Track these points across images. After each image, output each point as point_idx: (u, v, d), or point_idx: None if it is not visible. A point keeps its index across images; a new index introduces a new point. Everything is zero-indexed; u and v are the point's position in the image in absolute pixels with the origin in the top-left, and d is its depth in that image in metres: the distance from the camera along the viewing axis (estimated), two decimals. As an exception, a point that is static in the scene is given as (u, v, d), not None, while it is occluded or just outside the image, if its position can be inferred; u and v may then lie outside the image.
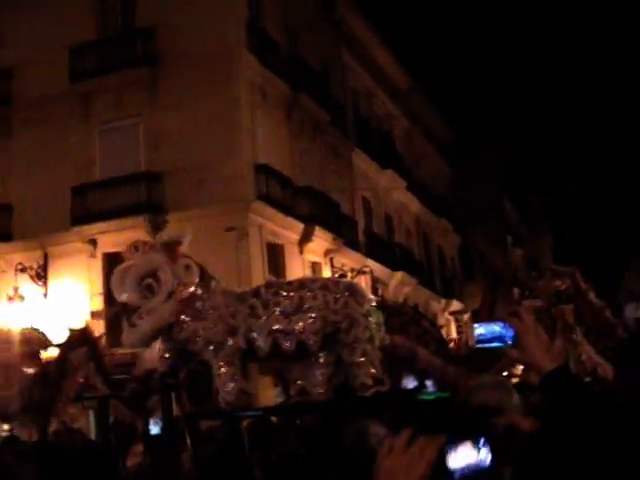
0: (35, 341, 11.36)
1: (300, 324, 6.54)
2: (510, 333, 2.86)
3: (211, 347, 6.67)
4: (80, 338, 11.09)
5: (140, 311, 6.94)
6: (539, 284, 8.04)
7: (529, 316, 2.87)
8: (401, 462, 2.30)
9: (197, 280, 7.16)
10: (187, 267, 7.12)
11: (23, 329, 12.03)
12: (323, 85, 34.59)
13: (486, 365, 8.31)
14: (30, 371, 10.85)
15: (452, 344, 19.91)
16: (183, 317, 6.85)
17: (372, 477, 2.38)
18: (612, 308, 7.78)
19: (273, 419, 9.36)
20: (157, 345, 7.26)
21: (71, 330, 11.40)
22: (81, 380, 10.83)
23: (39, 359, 11.09)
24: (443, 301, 47.13)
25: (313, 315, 6.56)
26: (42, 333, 11.70)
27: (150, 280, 6.93)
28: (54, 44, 29.47)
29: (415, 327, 8.65)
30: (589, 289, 7.57)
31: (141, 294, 6.90)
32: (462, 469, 2.41)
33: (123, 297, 7.08)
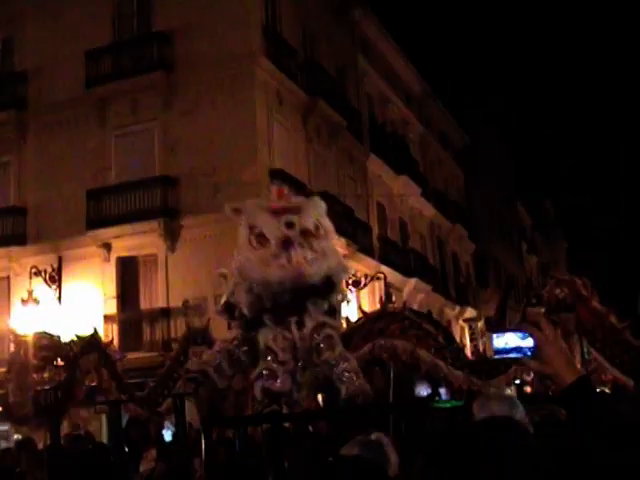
0: (49, 346, 11.36)
1: None
2: (529, 343, 2.83)
3: None
4: (89, 344, 11.09)
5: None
6: (543, 292, 8.01)
7: (549, 326, 2.84)
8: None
9: None
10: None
11: (36, 333, 12.03)
12: (339, 90, 34.60)
13: (496, 372, 8.25)
14: (44, 376, 10.86)
15: (469, 352, 19.87)
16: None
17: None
18: (633, 316, 7.71)
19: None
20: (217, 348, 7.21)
21: (78, 337, 11.41)
22: (93, 384, 10.83)
23: (53, 364, 11.09)
24: (457, 308, 46.99)
25: None
26: (56, 338, 11.70)
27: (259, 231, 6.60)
28: (70, 49, 29.64)
29: (416, 330, 8.60)
30: (592, 296, 7.51)
31: (249, 242, 6.59)
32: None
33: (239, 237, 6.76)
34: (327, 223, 6.32)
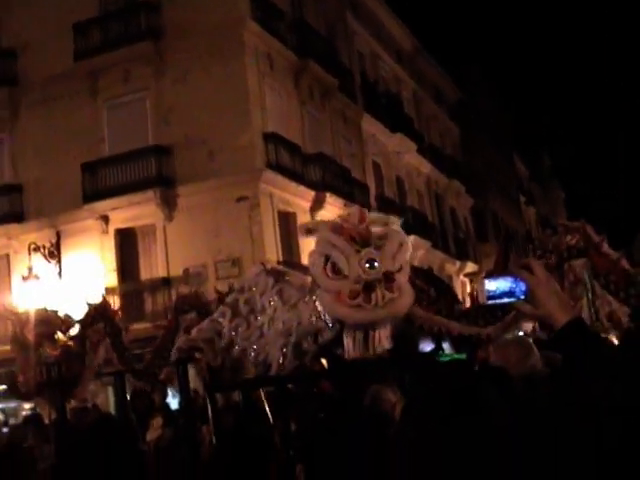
0: (51, 322, 11.35)
1: None
2: (521, 287, 2.80)
3: None
4: (97, 313, 11.06)
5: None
6: (552, 241, 7.94)
7: (541, 269, 2.81)
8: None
9: None
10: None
11: (38, 310, 12.01)
12: (330, 50, 34.43)
13: (493, 319, 8.22)
14: (48, 352, 10.85)
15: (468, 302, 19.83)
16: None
17: (386, 439, 2.37)
18: (629, 259, 7.66)
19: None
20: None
21: (89, 305, 11.37)
22: (102, 356, 10.83)
23: (55, 340, 11.08)
24: (457, 263, 47.03)
25: None
26: (57, 314, 11.68)
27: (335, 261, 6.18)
28: (57, 23, 29.49)
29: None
30: (602, 241, 7.47)
31: (324, 270, 6.12)
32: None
33: (314, 263, 6.26)
34: (405, 256, 6.05)
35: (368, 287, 5.61)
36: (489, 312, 8.11)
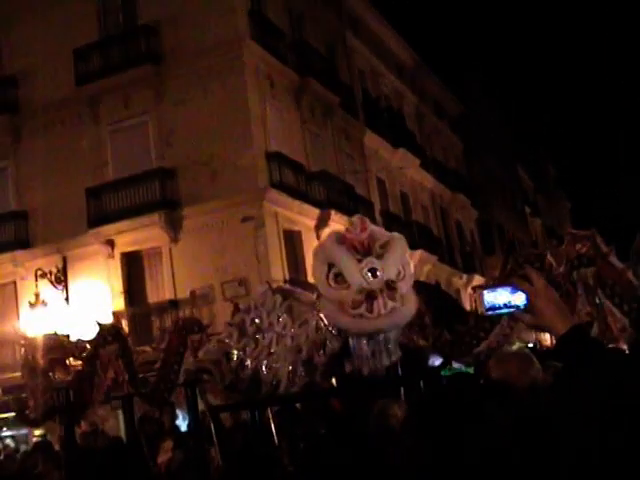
0: (64, 347, 11.28)
1: None
2: (520, 298, 2.82)
3: None
4: (110, 334, 11.01)
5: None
6: (559, 249, 7.92)
7: (539, 278, 2.82)
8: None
9: None
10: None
11: (49, 335, 11.96)
12: (330, 68, 34.57)
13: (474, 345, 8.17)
14: (60, 377, 10.80)
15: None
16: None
17: (392, 455, 2.39)
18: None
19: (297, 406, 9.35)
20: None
21: (100, 325, 11.33)
22: (111, 377, 10.78)
23: (67, 366, 11.03)
24: (465, 276, 46.99)
25: None
26: (63, 337, 11.63)
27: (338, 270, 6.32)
28: (58, 49, 29.65)
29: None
30: (610, 251, 7.45)
31: (326, 279, 6.27)
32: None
33: (315, 272, 6.40)
34: (408, 266, 6.08)
35: (370, 296, 5.63)
36: (489, 323, 8.09)
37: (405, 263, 5.87)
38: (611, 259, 7.49)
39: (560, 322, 2.72)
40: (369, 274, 5.65)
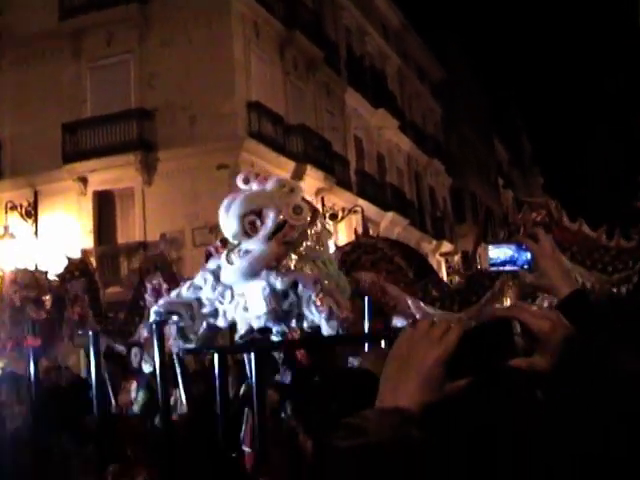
0: (38, 286, 11.13)
1: None
2: (524, 257, 2.82)
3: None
4: (78, 269, 10.93)
5: (239, 248, 6.75)
6: (516, 217, 8.01)
7: (547, 239, 2.82)
8: (419, 345, 1.90)
9: (307, 223, 6.84)
10: (296, 208, 6.79)
11: (22, 270, 11.80)
12: (317, 22, 34.32)
13: (467, 303, 8.22)
14: (33, 315, 10.71)
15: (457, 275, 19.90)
16: (285, 261, 6.67)
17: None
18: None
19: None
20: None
21: (69, 259, 11.25)
22: (78, 312, 10.72)
23: (42, 304, 10.92)
24: (434, 242, 47.07)
25: None
26: (38, 274, 11.48)
27: (253, 217, 6.69)
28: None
29: (386, 264, 8.53)
30: (561, 215, 7.54)
31: (242, 230, 6.64)
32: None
33: (225, 230, 6.87)
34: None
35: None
36: (464, 294, 8.13)
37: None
38: (564, 223, 7.58)
39: (564, 284, 2.71)
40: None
